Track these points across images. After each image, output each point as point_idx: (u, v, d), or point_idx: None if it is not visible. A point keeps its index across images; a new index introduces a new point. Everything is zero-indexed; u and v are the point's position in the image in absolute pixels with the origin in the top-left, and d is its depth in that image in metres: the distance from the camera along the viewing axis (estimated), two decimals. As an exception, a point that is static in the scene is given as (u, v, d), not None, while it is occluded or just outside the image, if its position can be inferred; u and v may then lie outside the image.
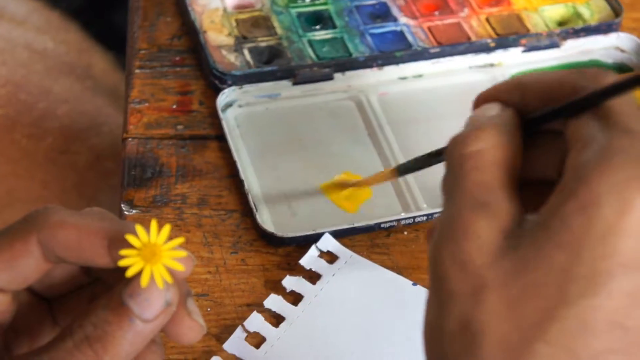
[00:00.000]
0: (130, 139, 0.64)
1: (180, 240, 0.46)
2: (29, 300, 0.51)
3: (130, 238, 0.46)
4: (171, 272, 0.46)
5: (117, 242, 0.46)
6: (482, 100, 0.46)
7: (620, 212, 0.37)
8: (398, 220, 0.61)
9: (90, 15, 1.07)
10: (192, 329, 0.49)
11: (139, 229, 0.46)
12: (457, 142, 0.43)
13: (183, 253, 0.47)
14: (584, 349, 0.38)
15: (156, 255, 0.46)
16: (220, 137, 0.64)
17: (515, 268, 0.39)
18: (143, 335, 0.47)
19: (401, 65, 0.69)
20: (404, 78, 0.69)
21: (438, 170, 0.63)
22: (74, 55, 0.91)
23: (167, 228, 0.46)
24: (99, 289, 0.51)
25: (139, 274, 0.46)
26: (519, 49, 0.70)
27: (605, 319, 0.38)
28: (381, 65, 0.68)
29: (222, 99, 0.65)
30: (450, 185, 0.42)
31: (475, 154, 0.42)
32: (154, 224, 0.46)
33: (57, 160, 0.82)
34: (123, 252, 0.45)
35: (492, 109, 0.45)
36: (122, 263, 0.45)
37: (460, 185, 0.41)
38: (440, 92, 0.69)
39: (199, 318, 0.49)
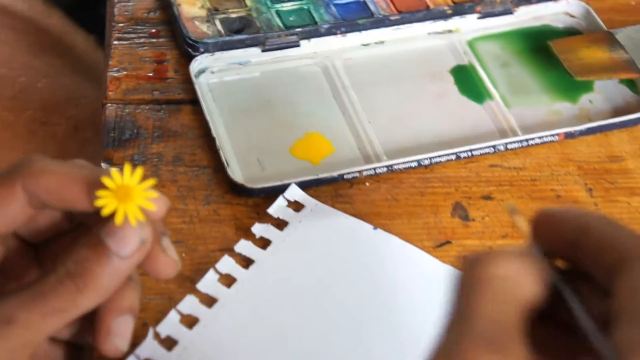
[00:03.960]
0: (109, 104, 0.68)
1: (152, 182, 0.50)
2: (16, 246, 0.54)
3: (105, 180, 0.49)
4: (146, 212, 0.50)
5: (95, 186, 0.50)
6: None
7: None
8: (360, 172, 0.64)
9: (72, 5, 1.10)
10: (168, 264, 0.53)
11: (113, 172, 0.50)
12: (477, 260, 0.39)
13: (154, 194, 0.50)
14: None
15: (129, 195, 0.49)
16: (194, 102, 0.68)
17: None
18: (120, 271, 0.51)
19: (363, 32, 0.73)
20: (366, 45, 0.73)
21: (396, 121, 0.67)
22: (56, 35, 0.95)
23: (139, 170, 0.50)
24: (81, 234, 0.54)
25: (123, 226, 0.50)
26: (475, 16, 0.74)
27: None
28: (345, 32, 0.72)
29: (195, 65, 0.69)
30: (459, 309, 0.38)
31: (495, 278, 0.39)
32: (127, 167, 0.50)
33: (38, 131, 0.85)
34: (99, 193, 0.49)
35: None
36: (97, 203, 0.49)
37: (470, 313, 0.38)
38: (401, 57, 0.73)
39: (174, 255, 0.53)
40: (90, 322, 0.54)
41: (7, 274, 0.54)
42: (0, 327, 0.49)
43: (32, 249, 0.55)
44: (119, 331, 0.53)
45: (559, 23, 0.76)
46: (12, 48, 0.91)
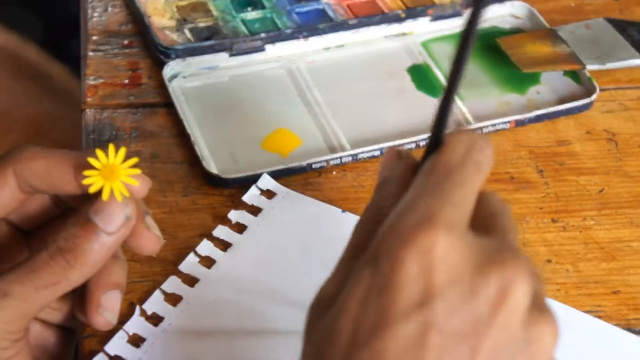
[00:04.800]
0: (88, 110, 0.71)
1: (134, 160, 0.53)
2: (8, 231, 0.58)
3: (91, 160, 0.53)
4: (129, 189, 0.53)
5: (82, 168, 0.53)
6: None
7: (392, 268, 0.42)
8: (327, 161, 0.68)
9: (45, 39, 1.13)
10: (151, 239, 0.56)
11: (98, 152, 0.53)
12: None
13: (137, 170, 0.54)
14: None
15: (114, 173, 0.53)
16: (168, 105, 0.72)
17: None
18: (107, 246, 0.54)
19: (324, 36, 0.77)
20: (327, 48, 0.77)
21: (359, 116, 0.71)
22: (33, 64, 0.98)
23: (122, 150, 0.53)
24: (70, 217, 0.57)
25: (108, 203, 0.53)
26: (427, 19, 0.79)
27: None
28: (307, 36, 0.76)
29: (167, 70, 0.73)
30: None
31: None
32: (111, 147, 0.53)
33: None
34: (86, 172, 0.53)
35: None
36: (85, 182, 0.52)
37: None
38: (360, 58, 0.77)
39: (157, 231, 0.56)
40: (80, 301, 0.57)
41: (9, 264, 0.57)
42: (-5, 299, 0.52)
43: (23, 235, 0.58)
44: (108, 305, 0.56)
45: (506, 24, 0.80)
46: None
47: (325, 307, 0.44)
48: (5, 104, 0.91)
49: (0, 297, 0.52)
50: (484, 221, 0.45)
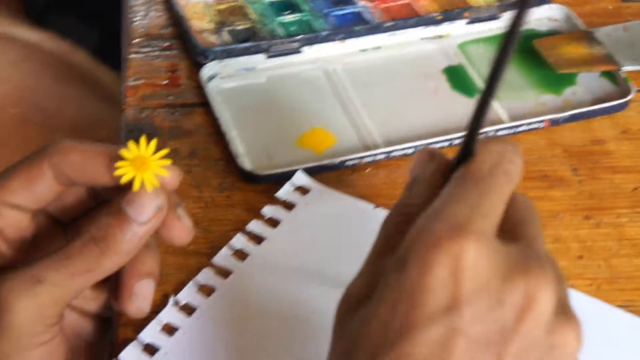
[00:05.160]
0: (128, 109, 0.73)
1: (165, 151, 0.54)
2: (46, 223, 0.59)
3: (123, 151, 0.54)
4: (160, 180, 0.54)
5: (116, 160, 0.54)
6: None
7: (421, 272, 0.43)
8: (360, 158, 0.69)
9: (98, 47, 1.15)
10: (182, 230, 0.57)
11: (130, 143, 0.54)
12: None
13: (168, 161, 0.55)
14: None
15: (145, 164, 0.54)
16: (205, 104, 0.73)
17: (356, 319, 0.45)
18: (139, 236, 0.55)
19: (361, 39, 0.77)
20: (364, 50, 0.78)
21: (394, 115, 0.71)
22: (82, 69, 1.00)
23: (153, 142, 0.54)
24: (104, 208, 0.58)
25: (139, 193, 0.54)
26: (463, 21, 0.79)
27: None
28: (343, 39, 0.77)
29: (205, 71, 0.74)
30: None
31: None
32: (142, 139, 0.54)
33: None
34: (118, 163, 0.54)
35: None
36: (116, 173, 0.53)
37: None
38: (396, 60, 0.78)
39: (188, 222, 0.57)
40: (115, 290, 0.58)
41: (37, 249, 0.58)
42: (30, 285, 0.53)
43: (61, 227, 0.59)
44: (140, 293, 0.57)
45: (543, 27, 0.81)
46: (42, 78, 0.96)
47: (354, 305, 0.45)
48: (52, 106, 0.92)
49: (35, 283, 0.53)
50: (512, 227, 0.46)
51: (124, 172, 0.54)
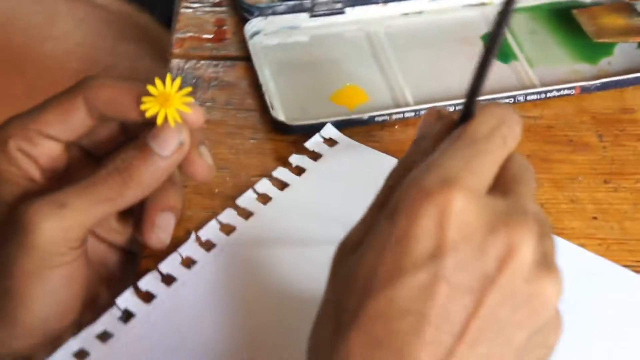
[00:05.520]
0: (173, 60, 0.76)
1: (188, 89, 0.57)
2: (80, 156, 0.62)
3: (149, 87, 0.57)
4: (184, 117, 0.57)
5: (144, 96, 0.58)
6: None
7: (409, 221, 0.44)
8: (389, 115, 0.71)
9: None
10: (203, 167, 0.60)
11: (156, 80, 0.57)
12: None
13: (190, 99, 0.58)
14: (382, 331, 0.44)
15: (169, 100, 0.57)
16: (247, 59, 0.75)
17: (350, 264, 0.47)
18: (161, 169, 0.58)
19: (403, 2, 0.79)
20: (406, 14, 0.80)
21: (428, 76, 0.73)
22: (144, 29, 1.04)
23: (178, 80, 0.58)
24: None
25: (163, 128, 0.57)
26: (506, -11, 0.80)
27: (399, 308, 0.44)
28: (386, 2, 0.79)
29: (249, 27, 0.77)
30: None
31: None
32: (168, 76, 0.57)
33: None
34: (143, 98, 0.57)
35: None
36: (142, 107, 0.56)
37: None
38: (437, 25, 0.79)
39: (209, 160, 0.60)
40: (139, 222, 0.61)
41: (69, 180, 0.61)
42: (55, 209, 0.56)
43: (93, 161, 0.63)
44: (161, 225, 0.60)
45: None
46: (104, 36, 1.00)
47: (348, 253, 0.47)
48: (109, 61, 0.96)
49: (59, 206, 0.56)
50: (505, 185, 0.48)
51: (149, 107, 0.57)
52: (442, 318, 0.44)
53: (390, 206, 0.46)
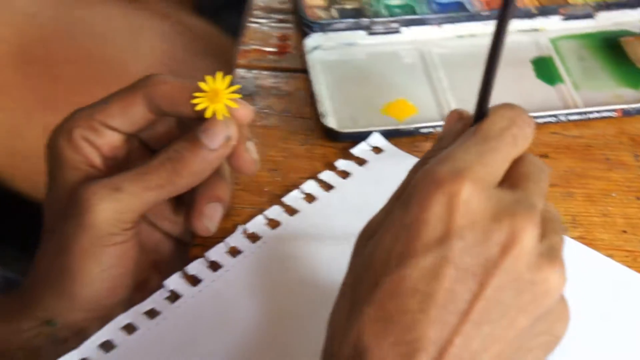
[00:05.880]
0: (237, 69, 0.80)
1: (237, 86, 0.61)
2: (138, 148, 0.67)
3: (200, 84, 0.61)
4: (232, 114, 0.62)
5: (196, 92, 0.62)
6: None
7: (421, 207, 0.48)
8: (434, 127, 0.74)
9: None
10: (248, 162, 0.64)
11: (207, 77, 0.62)
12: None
13: (238, 95, 0.62)
14: (393, 308, 0.47)
15: (218, 96, 0.61)
16: (305, 72, 0.80)
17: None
18: (209, 160, 0.62)
19: (458, 25, 0.83)
20: (460, 36, 0.83)
21: (471, 91, 0.76)
22: (223, 47, 1.09)
23: (228, 78, 0.62)
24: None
25: (212, 123, 0.62)
26: (558, 17, 0.83)
27: (408, 287, 0.47)
28: (441, 23, 0.83)
29: (309, 41, 0.81)
30: None
31: None
32: (218, 74, 0.62)
33: None
34: (195, 94, 0.61)
35: None
36: (193, 101, 0.61)
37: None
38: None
39: (254, 155, 0.64)
40: (189, 212, 0.66)
41: (128, 168, 0.66)
42: (111, 192, 0.61)
43: (151, 153, 0.67)
44: (208, 214, 0.65)
45: (635, 28, 0.84)
46: (186, 52, 1.06)
47: (367, 238, 0.51)
48: (189, 75, 1.02)
49: (114, 190, 0.61)
50: (516, 180, 0.51)
51: (200, 102, 0.61)
52: (448, 298, 0.47)
53: (405, 194, 0.49)
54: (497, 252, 0.47)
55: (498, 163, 0.50)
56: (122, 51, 1.08)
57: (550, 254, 0.49)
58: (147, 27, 1.13)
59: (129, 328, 0.62)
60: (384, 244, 0.49)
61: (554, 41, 0.83)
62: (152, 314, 0.63)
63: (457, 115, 0.55)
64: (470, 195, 0.47)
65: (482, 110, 0.51)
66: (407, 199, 0.49)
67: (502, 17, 0.50)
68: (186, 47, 1.06)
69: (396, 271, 0.48)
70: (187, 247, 0.68)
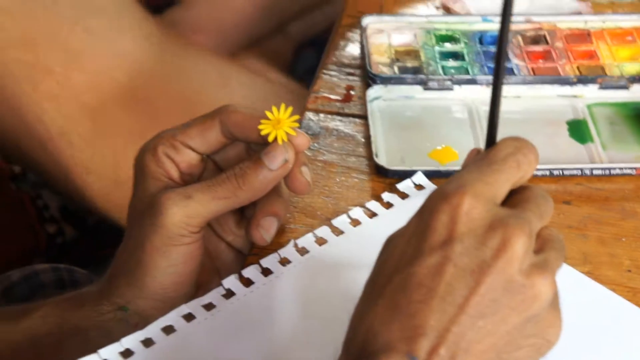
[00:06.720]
0: (306, 112, 0.89)
1: (296, 117, 0.70)
2: (212, 168, 0.75)
3: (267, 112, 0.70)
4: (291, 141, 0.70)
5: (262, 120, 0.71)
6: None
7: (430, 216, 0.56)
8: (472, 171, 0.81)
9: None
10: (302, 183, 0.72)
11: (273, 107, 0.71)
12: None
13: (296, 125, 0.71)
14: (402, 299, 0.55)
15: (280, 123, 0.70)
16: (366, 118, 0.88)
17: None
18: (268, 179, 0.71)
19: (505, 86, 0.90)
20: (505, 97, 0.90)
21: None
22: (297, 96, 1.19)
23: (290, 109, 0.70)
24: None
25: (273, 147, 0.70)
26: (596, 86, 0.91)
27: (415, 282, 0.55)
28: (489, 84, 0.90)
29: (371, 92, 0.90)
30: None
31: None
32: (282, 105, 0.70)
33: None
34: (262, 121, 0.70)
35: None
36: (259, 127, 0.70)
37: None
38: (531, 108, 0.90)
39: (308, 178, 0.73)
40: (249, 224, 0.74)
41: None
42: (183, 199, 0.70)
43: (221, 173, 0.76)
44: (265, 226, 0.73)
45: (663, 101, 0.91)
46: (258, 98, 1.16)
47: (388, 244, 0.59)
48: None
49: (186, 198, 0.70)
50: (516, 202, 0.58)
51: (264, 127, 0.70)
52: (447, 291, 0.54)
53: (420, 208, 0.57)
54: (491, 255, 0.54)
55: (500, 183, 0.57)
56: (215, 99, 1.18)
57: (543, 266, 0.56)
58: (238, 81, 1.24)
59: (189, 316, 0.70)
60: (399, 247, 0.56)
61: (589, 107, 0.90)
62: (209, 306, 0.71)
63: (475, 152, 0.63)
64: (471, 207, 0.55)
65: (492, 139, 0.59)
66: (420, 211, 0.57)
67: (498, 63, 0.57)
68: (272, 100, 1.16)
69: (406, 269, 0.55)
70: (246, 257, 0.77)
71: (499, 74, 0.58)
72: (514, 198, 0.58)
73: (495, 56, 0.58)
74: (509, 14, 0.56)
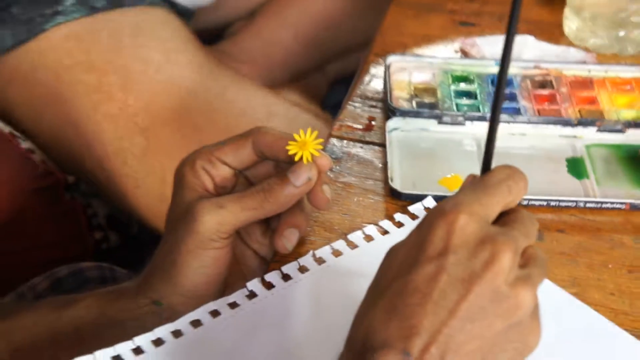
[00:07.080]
0: (330, 138, 0.97)
1: (321, 140, 0.78)
2: (243, 182, 0.83)
3: (294, 135, 0.78)
4: (314, 158, 0.78)
5: (290, 141, 0.78)
6: None
7: (428, 230, 0.62)
8: (476, 198, 0.89)
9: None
10: (323, 199, 0.80)
11: (301, 130, 0.78)
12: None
13: (320, 147, 0.78)
14: (400, 303, 0.60)
15: (305, 145, 0.77)
16: (384, 146, 0.96)
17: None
18: (293, 194, 0.78)
19: (512, 125, 0.98)
20: (512, 134, 0.98)
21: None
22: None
23: (315, 132, 0.78)
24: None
25: (299, 165, 0.78)
26: (594, 128, 0.98)
27: (412, 287, 0.60)
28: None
29: (390, 123, 0.97)
30: None
31: None
32: (309, 129, 0.78)
33: None
34: (290, 142, 0.78)
35: None
36: (287, 147, 0.77)
37: None
38: (533, 145, 0.97)
39: (328, 195, 0.80)
40: (273, 234, 0.81)
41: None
42: (215, 207, 0.77)
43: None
44: (287, 236, 0.80)
45: (657, 144, 0.98)
46: (283, 124, 1.25)
47: (389, 254, 0.66)
48: None
49: (218, 207, 0.77)
50: (505, 222, 0.65)
51: (291, 148, 0.78)
52: (440, 296, 0.61)
53: (420, 222, 0.64)
54: (481, 267, 0.61)
55: (492, 204, 0.64)
56: (254, 125, 1.26)
57: (527, 279, 0.62)
58: (278, 112, 1.32)
59: (215, 313, 0.77)
60: (399, 256, 0.63)
61: (587, 147, 0.97)
62: (233, 305, 0.78)
63: (472, 177, 0.70)
64: (466, 224, 0.62)
65: (487, 166, 0.66)
66: (419, 225, 0.64)
67: (496, 104, 0.65)
68: (306, 128, 1.24)
69: (405, 276, 0.62)
70: (268, 263, 0.84)
71: (496, 110, 0.65)
72: (504, 218, 0.65)
73: (494, 93, 0.65)
74: (508, 59, 0.64)
